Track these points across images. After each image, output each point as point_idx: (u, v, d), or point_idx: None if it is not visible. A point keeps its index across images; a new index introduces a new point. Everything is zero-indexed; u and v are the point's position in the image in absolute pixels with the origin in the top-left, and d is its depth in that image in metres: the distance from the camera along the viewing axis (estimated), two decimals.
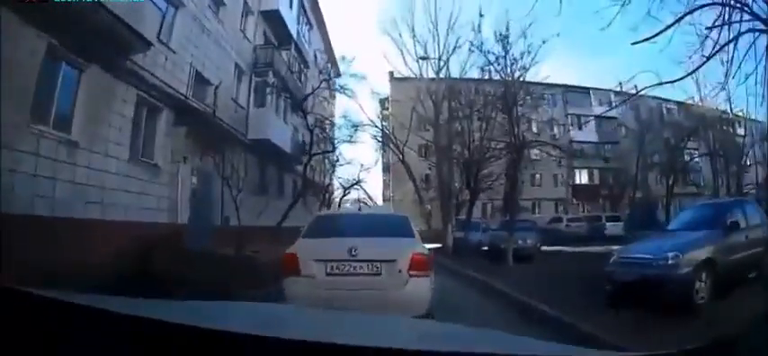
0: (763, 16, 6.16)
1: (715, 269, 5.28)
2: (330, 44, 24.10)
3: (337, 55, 20.43)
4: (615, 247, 7.68)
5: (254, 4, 15.09)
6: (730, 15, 6.34)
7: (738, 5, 6.32)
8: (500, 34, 12.01)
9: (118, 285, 3.85)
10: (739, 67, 6.72)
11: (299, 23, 18.15)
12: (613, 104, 25.93)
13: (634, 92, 11.25)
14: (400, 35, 24.39)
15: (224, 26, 12.77)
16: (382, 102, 27.84)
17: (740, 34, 6.41)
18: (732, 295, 5.18)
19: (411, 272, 3.98)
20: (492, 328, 2.01)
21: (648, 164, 27.95)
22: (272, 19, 16.01)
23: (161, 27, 9.34)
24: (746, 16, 6.32)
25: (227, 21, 13.02)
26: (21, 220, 5.36)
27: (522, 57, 12.07)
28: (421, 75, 18.24)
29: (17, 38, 5.78)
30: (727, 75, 7.04)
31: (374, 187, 43.28)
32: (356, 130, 19.46)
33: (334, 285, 3.88)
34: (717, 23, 6.48)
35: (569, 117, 33.44)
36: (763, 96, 6.52)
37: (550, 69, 39.13)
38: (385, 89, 28.00)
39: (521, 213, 19.32)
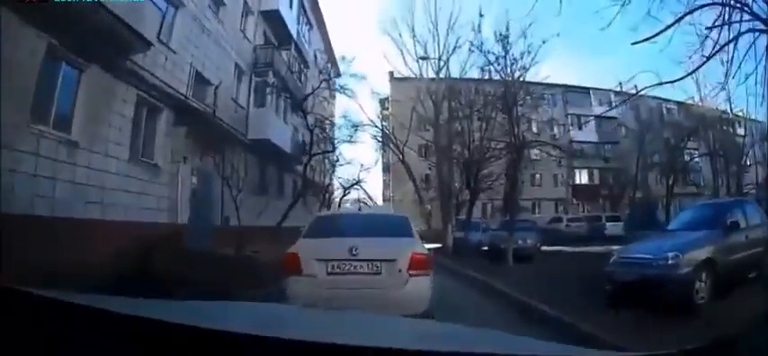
0: (763, 16, 6.16)
1: (715, 269, 5.28)
2: (330, 44, 24.13)
3: (337, 55, 20.49)
4: (615, 247, 7.68)
5: (254, 4, 15.09)
6: (730, 15, 6.35)
7: (738, 5, 6.33)
8: (500, 34, 12.04)
9: (118, 285, 3.85)
10: (739, 67, 6.73)
11: (299, 23, 18.16)
12: (613, 104, 25.94)
13: (634, 92, 11.26)
14: (400, 35, 24.41)
15: (224, 26, 12.77)
16: (382, 102, 27.86)
17: (740, 34, 6.42)
18: (732, 295, 5.18)
19: (411, 272, 4.03)
20: (492, 328, 2.01)
21: (648, 164, 27.95)
22: (272, 19, 16.01)
23: (161, 27, 9.34)
24: (746, 16, 6.33)
25: (227, 21, 13.02)
26: (21, 220, 5.36)
27: (522, 57, 12.11)
28: (421, 75, 18.26)
29: (17, 38, 5.78)
30: (727, 75, 7.05)
31: (374, 187, 43.37)
32: (356, 130, 19.51)
33: (334, 284, 3.92)
34: (717, 23, 6.49)
35: (569, 117, 33.44)
36: (763, 96, 6.53)
37: (550, 69, 39.20)
38: (385, 89, 28.07)
39: (521, 213, 19.33)
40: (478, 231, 15.38)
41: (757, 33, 6.36)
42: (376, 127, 21.40)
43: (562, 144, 24.36)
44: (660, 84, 8.07)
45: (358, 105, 49.51)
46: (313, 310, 1.97)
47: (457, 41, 17.23)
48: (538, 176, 31.62)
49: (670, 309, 4.82)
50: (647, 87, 8.99)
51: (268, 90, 14.83)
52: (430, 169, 21.84)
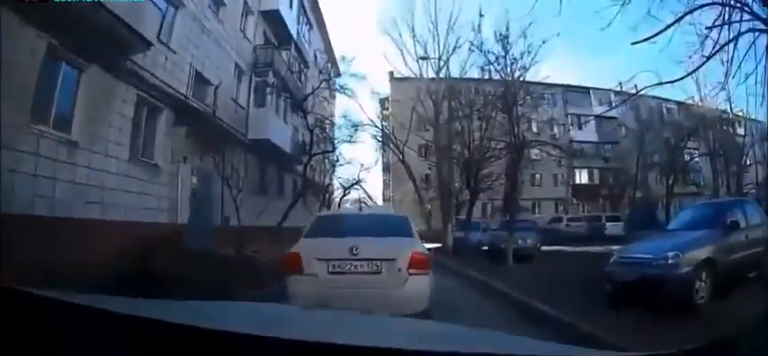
0: (763, 16, 6.15)
1: (715, 269, 5.28)
2: (330, 44, 24.12)
3: (337, 55, 20.49)
4: (615, 247, 7.67)
5: (254, 4, 15.09)
6: (730, 15, 6.34)
7: (738, 5, 6.32)
8: (500, 34, 12.04)
9: (118, 285, 3.84)
10: (739, 67, 6.70)
11: (299, 23, 18.15)
12: (613, 104, 25.97)
13: (634, 92, 11.25)
14: (400, 35, 24.37)
15: (224, 26, 12.77)
16: (382, 102, 27.85)
17: (740, 34, 6.40)
18: (732, 295, 5.18)
19: (410, 271, 4.07)
20: (492, 328, 2.01)
21: (648, 164, 27.96)
22: (272, 19, 16.01)
23: (161, 27, 9.34)
24: (746, 16, 6.31)
25: (227, 21, 13.02)
26: (21, 220, 5.36)
27: (522, 57, 12.11)
28: (421, 75, 18.26)
29: (17, 38, 5.78)
30: (727, 75, 7.03)
31: (374, 187, 43.42)
32: (356, 130, 19.51)
33: (335, 283, 3.96)
34: (717, 23, 6.47)
35: (569, 117, 33.45)
36: (763, 96, 6.50)
37: (550, 69, 39.27)
38: (385, 89, 28.05)
39: (521, 213, 19.31)
40: (478, 231, 15.38)
41: (757, 33, 6.34)
42: (376, 127, 21.45)
43: (562, 144, 24.37)
44: (660, 83, 8.07)
45: (358, 105, 49.56)
46: (313, 310, 1.97)
47: (457, 41, 17.27)
48: (538, 176, 31.61)
49: (670, 309, 4.81)
50: (647, 87, 9.00)
51: (268, 90, 14.83)
52: (430, 169, 21.84)
